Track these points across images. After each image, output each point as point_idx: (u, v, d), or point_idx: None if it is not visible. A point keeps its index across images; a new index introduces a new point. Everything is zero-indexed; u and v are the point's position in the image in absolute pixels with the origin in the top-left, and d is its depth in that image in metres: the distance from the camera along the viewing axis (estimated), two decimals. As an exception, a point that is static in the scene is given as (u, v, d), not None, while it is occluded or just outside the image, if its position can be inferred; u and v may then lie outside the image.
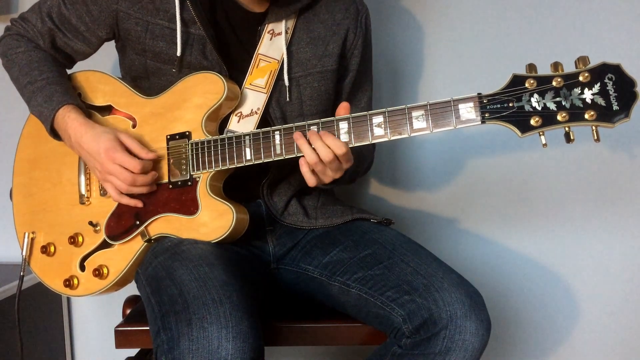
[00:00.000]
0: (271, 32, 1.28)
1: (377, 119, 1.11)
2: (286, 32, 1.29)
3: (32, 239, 1.36)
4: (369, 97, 1.43)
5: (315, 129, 1.14)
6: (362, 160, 1.40)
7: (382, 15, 1.72)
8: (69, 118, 1.24)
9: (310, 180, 1.16)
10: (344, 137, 1.13)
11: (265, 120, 1.28)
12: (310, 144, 1.12)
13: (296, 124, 1.16)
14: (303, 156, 1.13)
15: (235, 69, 1.27)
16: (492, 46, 1.68)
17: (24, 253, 1.35)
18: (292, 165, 1.28)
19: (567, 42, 1.64)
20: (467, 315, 1.07)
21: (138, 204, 1.24)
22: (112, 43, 1.36)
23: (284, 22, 1.28)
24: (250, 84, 1.28)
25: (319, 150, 1.11)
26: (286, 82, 1.28)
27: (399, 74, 1.74)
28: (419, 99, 1.72)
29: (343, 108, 1.15)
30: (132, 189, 1.22)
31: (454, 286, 1.11)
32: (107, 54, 1.41)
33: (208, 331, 0.97)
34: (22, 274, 1.36)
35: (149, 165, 1.22)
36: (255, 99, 1.27)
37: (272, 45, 1.28)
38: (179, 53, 1.24)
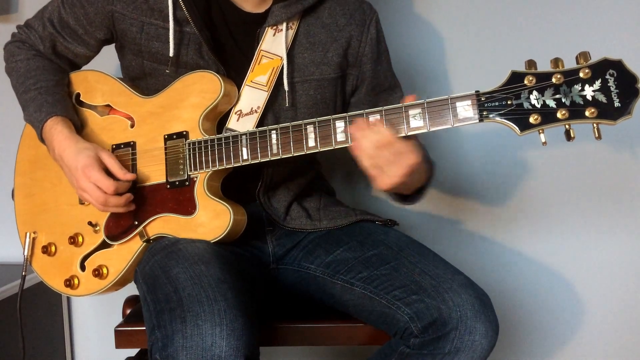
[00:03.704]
0: (275, 28, 1.26)
1: (374, 118, 1.09)
2: (289, 29, 1.26)
3: (34, 239, 1.36)
4: (401, 96, 1.35)
5: (312, 129, 1.13)
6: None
7: (385, 14, 1.70)
8: (54, 130, 1.24)
9: (381, 179, 1.08)
10: (341, 137, 1.12)
11: (261, 122, 1.26)
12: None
13: (293, 123, 1.15)
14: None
15: (232, 69, 1.26)
16: (490, 42, 1.66)
17: (25, 253, 1.35)
18: (287, 169, 1.27)
19: (568, 38, 1.61)
20: (477, 317, 1.07)
21: (115, 209, 1.22)
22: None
23: (284, 25, 1.25)
24: (252, 82, 1.26)
25: (369, 138, 1.05)
26: (286, 87, 1.25)
27: (395, 72, 1.72)
28: (420, 96, 1.69)
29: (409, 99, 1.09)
30: (105, 208, 1.22)
31: (463, 287, 1.10)
32: (109, 55, 1.41)
33: (202, 329, 0.97)
34: (24, 273, 1.36)
35: (123, 187, 1.20)
36: (255, 97, 1.25)
37: (275, 41, 1.26)
38: (171, 53, 1.23)
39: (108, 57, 1.42)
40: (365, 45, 1.30)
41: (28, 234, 1.36)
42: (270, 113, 1.27)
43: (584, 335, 1.75)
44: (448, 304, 1.08)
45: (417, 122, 1.07)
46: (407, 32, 1.70)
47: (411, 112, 1.07)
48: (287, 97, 1.26)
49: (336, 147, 1.12)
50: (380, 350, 1.20)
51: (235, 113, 1.26)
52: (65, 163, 1.23)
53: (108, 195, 1.19)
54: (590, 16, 1.61)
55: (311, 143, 1.13)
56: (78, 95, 1.34)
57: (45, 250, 1.34)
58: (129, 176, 1.21)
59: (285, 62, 1.25)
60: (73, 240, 1.31)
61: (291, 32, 1.27)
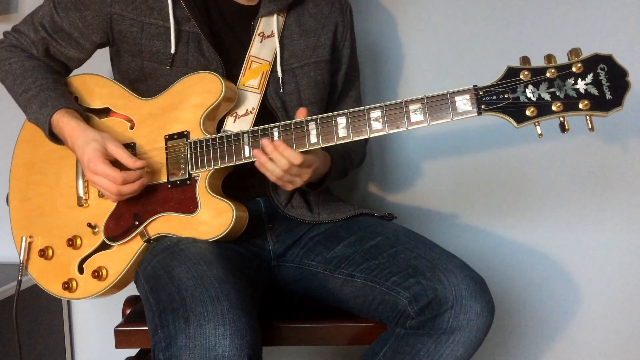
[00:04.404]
0: (261, 34, 1.31)
1: (375, 113, 1.12)
2: (278, 31, 1.31)
3: (30, 243, 1.35)
4: (358, 87, 1.48)
5: (314, 126, 1.15)
6: (351, 156, 1.42)
7: (376, 11, 1.74)
8: (62, 122, 1.24)
9: (285, 187, 1.21)
10: (342, 132, 1.14)
11: (262, 116, 1.29)
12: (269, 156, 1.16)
13: (294, 120, 1.17)
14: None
15: (232, 64, 1.29)
16: (486, 40, 1.70)
17: (21, 258, 1.34)
18: None
19: (560, 36, 1.66)
20: (473, 296, 1.09)
21: (131, 195, 1.24)
22: (106, 49, 1.37)
23: (275, 19, 1.31)
24: (244, 85, 1.29)
25: (276, 161, 1.15)
26: (279, 74, 1.31)
27: (394, 69, 1.75)
28: (415, 93, 1.72)
29: (300, 113, 1.18)
30: (120, 198, 1.23)
31: (459, 268, 1.13)
32: (105, 58, 1.42)
33: (205, 328, 0.97)
34: (19, 278, 1.35)
35: (133, 176, 1.21)
36: (249, 99, 1.29)
37: (263, 47, 1.31)
38: (172, 50, 1.25)
39: (104, 60, 1.43)
40: (347, 31, 1.40)
41: (24, 238, 1.35)
42: (277, 98, 1.31)
43: (581, 325, 1.77)
44: (444, 283, 1.10)
45: (417, 117, 1.10)
46: (405, 31, 1.74)
47: (412, 107, 1.10)
48: (281, 84, 1.31)
49: (338, 143, 1.15)
50: (379, 338, 1.21)
51: (231, 115, 1.28)
52: (77, 154, 1.24)
53: (119, 186, 1.19)
54: (581, 15, 1.66)
55: (313, 140, 1.16)
56: (76, 99, 1.35)
57: (42, 253, 1.33)
58: (140, 163, 1.21)
59: (278, 51, 1.30)
60: (71, 242, 1.30)
61: (280, 28, 1.32)
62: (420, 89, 1.64)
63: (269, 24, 1.32)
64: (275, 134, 1.18)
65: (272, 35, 1.31)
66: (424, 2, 1.73)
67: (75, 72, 1.41)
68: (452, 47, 1.71)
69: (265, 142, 1.15)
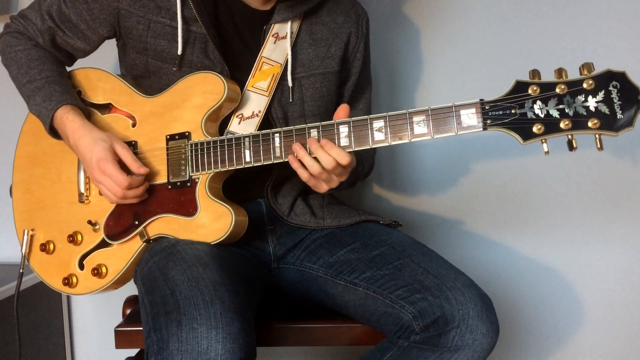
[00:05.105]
0: (275, 35, 1.28)
1: (378, 124, 1.10)
2: (291, 34, 1.28)
3: (32, 236, 1.35)
4: (368, 99, 1.44)
5: (315, 133, 1.13)
6: (363, 163, 1.39)
7: (383, 21, 1.70)
8: (67, 119, 1.23)
9: (319, 188, 1.17)
10: (344, 141, 1.12)
11: (267, 120, 1.27)
12: (310, 153, 1.12)
13: (296, 126, 1.15)
14: (304, 167, 1.13)
15: (237, 68, 1.26)
16: (495, 51, 1.66)
17: (23, 250, 1.35)
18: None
19: (572, 48, 1.61)
20: (479, 316, 1.08)
21: (133, 200, 1.24)
22: (114, 40, 1.35)
23: (289, 23, 1.28)
24: (253, 87, 1.27)
25: (322, 160, 1.11)
26: (290, 83, 1.28)
27: (400, 79, 1.72)
28: (421, 104, 1.70)
29: (343, 110, 1.14)
30: (121, 200, 1.22)
31: (466, 287, 1.12)
32: (109, 52, 1.40)
33: (197, 332, 0.97)
34: (21, 270, 1.36)
35: (137, 181, 1.21)
36: (256, 102, 1.27)
37: (276, 49, 1.28)
38: (179, 51, 1.23)
39: (108, 53, 1.41)
40: (360, 43, 1.36)
41: (26, 231, 1.36)
42: (279, 108, 1.28)
43: (583, 338, 1.76)
44: (451, 302, 1.09)
45: (421, 129, 1.08)
46: (413, 42, 1.71)
47: (415, 118, 1.08)
48: (291, 93, 1.28)
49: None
50: (378, 346, 1.21)
51: (237, 116, 1.26)
52: (80, 152, 1.23)
53: (124, 190, 1.19)
54: (594, 27, 1.61)
55: (314, 147, 1.13)
56: (79, 93, 1.34)
57: (44, 248, 1.33)
58: (143, 170, 1.21)
59: (290, 58, 1.27)
60: (72, 238, 1.30)
61: (294, 36, 1.29)
62: (437, 100, 1.60)
63: (284, 27, 1.29)
64: (277, 139, 1.16)
65: (285, 37, 1.28)
66: (445, 12, 1.68)
67: (78, 65, 1.39)
68: (472, 57, 1.68)
69: (310, 140, 1.12)
